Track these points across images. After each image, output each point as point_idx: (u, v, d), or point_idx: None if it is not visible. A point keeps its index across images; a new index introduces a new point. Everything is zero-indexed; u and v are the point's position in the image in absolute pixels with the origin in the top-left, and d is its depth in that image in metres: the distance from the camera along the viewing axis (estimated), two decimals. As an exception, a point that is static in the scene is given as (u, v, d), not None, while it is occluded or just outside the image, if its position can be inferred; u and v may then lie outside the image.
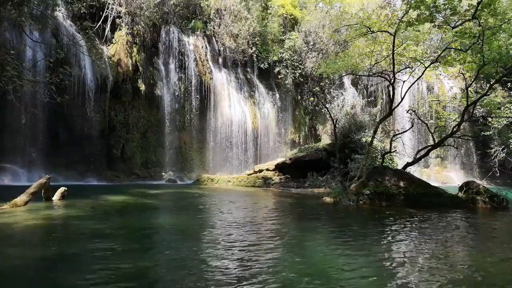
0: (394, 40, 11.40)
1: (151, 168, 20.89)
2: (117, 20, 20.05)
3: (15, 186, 12.60)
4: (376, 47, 13.64)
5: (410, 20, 10.67)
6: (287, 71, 26.45)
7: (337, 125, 13.80)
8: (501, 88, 19.14)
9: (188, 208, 9.08)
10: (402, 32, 11.96)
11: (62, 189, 9.25)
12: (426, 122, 14.67)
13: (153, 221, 7.03)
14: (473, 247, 5.16)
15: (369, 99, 26.64)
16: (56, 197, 9.00)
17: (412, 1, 10.08)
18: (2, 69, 12.03)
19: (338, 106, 22.75)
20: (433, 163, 27.20)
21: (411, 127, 14.18)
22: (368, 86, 28.44)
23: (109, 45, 19.85)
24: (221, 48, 24.57)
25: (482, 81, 20.64)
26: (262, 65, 26.01)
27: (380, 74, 14.89)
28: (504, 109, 17.13)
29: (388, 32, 11.96)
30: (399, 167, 13.67)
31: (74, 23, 18.74)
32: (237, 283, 3.29)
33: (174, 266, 3.85)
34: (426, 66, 12.63)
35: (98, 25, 19.17)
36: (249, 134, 24.22)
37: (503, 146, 21.07)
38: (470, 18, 10.07)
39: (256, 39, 25.41)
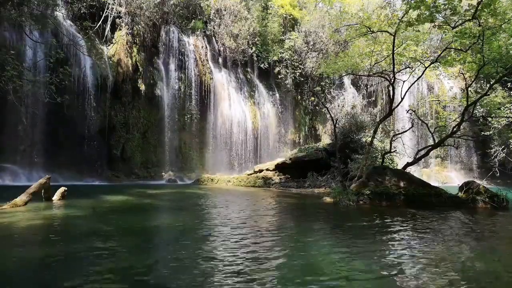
0: (394, 40, 11.42)
1: (151, 168, 20.89)
2: (117, 20, 20.08)
3: (15, 186, 12.61)
4: (376, 47, 13.65)
5: (410, 20, 10.68)
6: (287, 71, 26.46)
7: (337, 125, 13.80)
8: (501, 88, 19.14)
9: (188, 208, 9.07)
10: (402, 32, 11.96)
11: (62, 189, 9.26)
12: (426, 122, 14.67)
13: (153, 221, 7.03)
14: (473, 247, 5.16)
15: (369, 99, 26.66)
16: (56, 197, 9.01)
17: (412, 1, 10.08)
18: (2, 69, 12.05)
19: (338, 106, 22.77)
20: (433, 163, 27.22)
21: (411, 127, 14.19)
22: (368, 86, 28.47)
23: (109, 45, 19.87)
24: (221, 48, 24.58)
25: (482, 81, 20.66)
26: (262, 65, 26.03)
27: (380, 74, 14.90)
28: (504, 109, 17.12)
29: (388, 32, 11.97)
30: (399, 167, 13.68)
31: (74, 23, 18.76)
32: (236, 283, 3.29)
33: (174, 266, 3.85)
34: (426, 66, 12.64)
35: (98, 25, 19.19)
36: (249, 134, 24.21)
37: (503, 146, 21.08)
38: (470, 18, 10.07)
39: (256, 39, 25.43)
